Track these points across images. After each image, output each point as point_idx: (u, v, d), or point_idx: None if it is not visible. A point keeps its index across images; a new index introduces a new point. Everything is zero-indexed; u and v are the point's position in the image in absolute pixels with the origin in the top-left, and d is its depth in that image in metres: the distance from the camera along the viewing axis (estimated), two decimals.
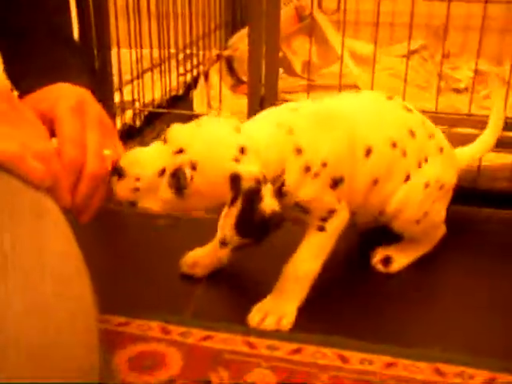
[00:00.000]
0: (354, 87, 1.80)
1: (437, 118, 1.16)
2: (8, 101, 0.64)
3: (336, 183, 0.94)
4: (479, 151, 1.21)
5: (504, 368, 0.86)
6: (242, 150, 0.85)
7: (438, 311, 1.01)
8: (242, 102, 1.45)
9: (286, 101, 1.13)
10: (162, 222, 1.23)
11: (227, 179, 0.83)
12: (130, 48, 1.46)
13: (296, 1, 1.87)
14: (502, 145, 1.23)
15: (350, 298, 1.04)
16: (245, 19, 2.03)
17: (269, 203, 0.84)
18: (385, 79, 1.77)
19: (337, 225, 0.97)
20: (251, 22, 1.26)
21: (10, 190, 0.59)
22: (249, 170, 0.84)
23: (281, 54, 1.64)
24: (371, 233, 1.17)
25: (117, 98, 1.49)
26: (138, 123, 1.56)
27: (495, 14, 1.20)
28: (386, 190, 1.02)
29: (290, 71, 1.88)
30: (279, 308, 0.96)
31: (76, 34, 1.35)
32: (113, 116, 1.41)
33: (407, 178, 1.03)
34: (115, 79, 1.48)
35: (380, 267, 1.12)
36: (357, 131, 0.97)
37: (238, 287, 1.06)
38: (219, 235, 0.86)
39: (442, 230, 1.15)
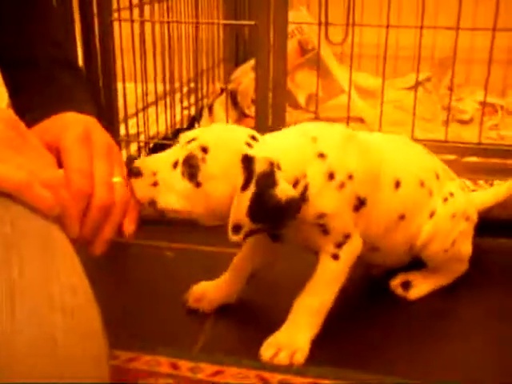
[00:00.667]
0: (359, 120, 1.80)
1: (446, 147, 1.15)
2: (16, 129, 0.63)
3: (359, 204, 0.93)
4: (491, 200, 1.20)
5: None
6: (254, 137, 0.85)
7: (457, 343, 0.99)
8: None
9: None
10: (169, 254, 1.22)
11: (239, 162, 0.82)
12: (135, 82, 1.47)
13: (299, 34, 1.87)
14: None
15: (366, 328, 1.01)
16: (248, 53, 2.05)
17: (285, 188, 0.82)
18: (390, 111, 1.77)
19: (351, 252, 0.95)
20: (258, 55, 1.26)
21: (17, 218, 0.57)
22: (261, 153, 0.83)
23: None
24: None
25: (122, 130, 1.48)
26: (143, 156, 1.55)
27: (499, 45, 1.20)
28: (412, 227, 1.03)
29: (295, 104, 1.88)
30: (292, 342, 0.93)
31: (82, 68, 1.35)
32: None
33: (432, 215, 1.04)
34: (120, 113, 1.48)
35: (399, 291, 1.10)
36: (386, 160, 0.98)
37: (247, 321, 1.04)
38: (231, 221, 0.83)
39: (464, 266, 1.14)
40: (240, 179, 0.82)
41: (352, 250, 0.95)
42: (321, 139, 0.91)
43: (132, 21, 1.36)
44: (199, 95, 1.84)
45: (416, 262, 1.10)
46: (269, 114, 1.34)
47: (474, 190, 1.28)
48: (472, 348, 0.97)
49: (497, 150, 1.24)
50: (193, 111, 1.82)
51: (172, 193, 0.84)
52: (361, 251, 0.96)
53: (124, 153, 1.47)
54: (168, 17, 1.40)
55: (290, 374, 0.88)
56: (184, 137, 0.86)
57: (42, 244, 0.57)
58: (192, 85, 1.81)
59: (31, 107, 0.82)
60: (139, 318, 1.03)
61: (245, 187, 0.81)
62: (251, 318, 1.05)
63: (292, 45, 1.85)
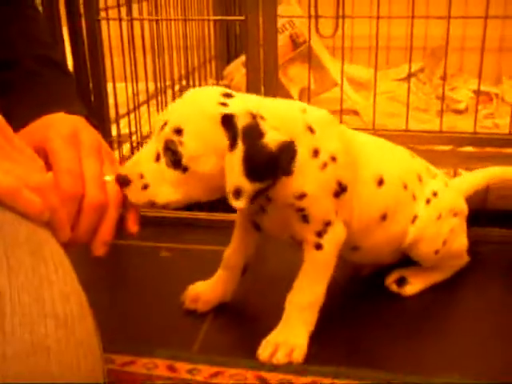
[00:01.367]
0: (353, 112, 1.79)
1: (442, 137, 1.14)
2: (2, 133, 0.62)
3: (340, 190, 0.90)
4: (479, 183, 1.19)
5: None
6: (228, 95, 0.81)
7: (454, 337, 0.98)
8: None
9: None
10: (164, 254, 1.21)
11: (219, 126, 0.79)
12: (126, 81, 1.45)
13: (290, 28, 1.86)
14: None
15: (364, 324, 1.00)
16: (239, 49, 2.03)
17: (273, 136, 0.78)
18: (383, 103, 1.76)
19: (334, 241, 0.92)
20: (248, 50, 1.24)
21: (6, 224, 0.56)
22: (240, 107, 0.79)
23: None
24: None
25: (114, 131, 1.47)
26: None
27: (491, 33, 1.19)
28: (395, 229, 1.02)
29: (288, 98, 1.87)
30: (289, 339, 0.92)
31: (71, 69, 1.34)
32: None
33: (414, 219, 1.02)
34: (111, 113, 1.46)
35: (394, 287, 1.09)
36: (370, 156, 0.97)
37: (244, 320, 1.03)
38: (229, 188, 0.80)
39: (463, 259, 1.13)
40: (224, 142, 0.79)
41: (335, 237, 0.92)
42: (310, 113, 0.88)
43: (120, 19, 1.34)
44: None
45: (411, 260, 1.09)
46: None
47: None
48: (471, 342, 0.96)
49: (492, 139, 1.23)
50: None
51: (164, 187, 0.81)
52: (342, 249, 0.94)
53: (117, 153, 1.46)
54: (157, 14, 1.38)
55: (290, 374, 0.87)
56: (157, 121, 0.83)
57: (31, 250, 0.56)
58: (184, 82, 1.79)
59: (17, 109, 0.81)
60: (135, 319, 1.02)
61: (232, 147, 0.78)
62: (248, 316, 1.04)
63: (283, 39, 1.84)
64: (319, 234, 0.91)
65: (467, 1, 1.81)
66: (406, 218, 1.02)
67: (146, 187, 0.81)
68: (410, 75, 1.32)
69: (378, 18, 1.19)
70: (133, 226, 0.80)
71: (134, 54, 1.41)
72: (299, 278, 0.93)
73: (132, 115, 1.49)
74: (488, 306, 1.05)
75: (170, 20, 1.57)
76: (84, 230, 0.72)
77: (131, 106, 1.49)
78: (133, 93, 1.45)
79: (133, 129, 1.49)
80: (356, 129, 1.02)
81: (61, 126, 0.75)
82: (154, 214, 1.32)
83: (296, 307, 0.93)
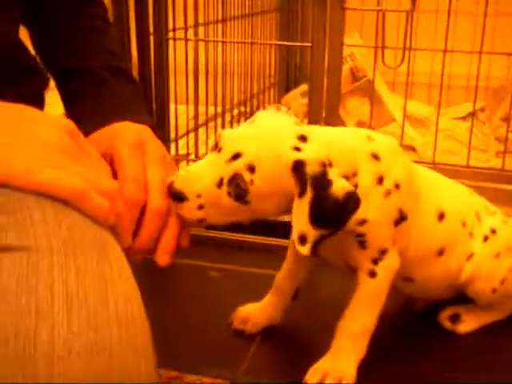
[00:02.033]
0: (410, 148, 1.77)
1: (503, 176, 1.12)
2: (74, 137, 0.63)
3: (400, 219, 0.90)
4: None
5: None
6: (302, 138, 0.80)
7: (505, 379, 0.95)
8: None
9: None
10: (214, 274, 1.20)
11: (290, 171, 0.78)
12: (187, 104, 1.47)
13: (351, 61, 1.87)
14: None
15: (413, 359, 0.99)
16: (298, 78, 2.05)
17: (340, 185, 0.78)
18: (441, 141, 1.74)
19: (388, 269, 0.91)
20: (312, 78, 1.25)
21: (75, 224, 0.57)
22: (311, 154, 0.78)
23: None
24: None
25: (172, 150, 1.49)
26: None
27: None
28: (451, 265, 1.00)
29: None
30: (338, 368, 0.90)
31: None
32: None
33: (470, 257, 1.01)
34: (171, 133, 1.49)
35: (447, 324, 1.07)
36: (432, 189, 0.97)
37: (293, 343, 1.02)
38: (294, 233, 0.80)
39: None
40: (292, 186, 0.78)
41: (389, 266, 0.91)
42: (376, 140, 0.88)
43: (186, 40, 1.37)
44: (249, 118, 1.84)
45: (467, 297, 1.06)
46: None
47: None
48: None
49: None
50: None
51: (220, 211, 0.81)
52: (394, 278, 0.93)
53: None
54: (223, 37, 1.41)
55: None
56: (226, 142, 0.80)
57: (98, 252, 0.56)
58: (242, 108, 1.81)
59: (85, 116, 0.83)
60: (184, 337, 1.02)
61: (302, 193, 0.78)
62: (297, 341, 1.03)
63: (345, 71, 1.85)
64: (375, 262, 0.90)
65: None
66: (462, 255, 1.01)
67: (201, 207, 0.80)
68: (473, 113, 1.30)
69: (445, 51, 1.18)
70: (183, 240, 0.79)
71: (197, 76, 1.43)
72: (351, 305, 0.92)
73: (190, 136, 1.51)
74: None
75: (236, 43, 1.59)
76: (147, 237, 0.73)
77: (191, 127, 1.51)
78: (193, 114, 1.47)
79: (190, 150, 1.51)
80: (416, 162, 1.02)
81: (127, 135, 0.76)
82: (205, 234, 1.33)
83: (347, 335, 0.92)
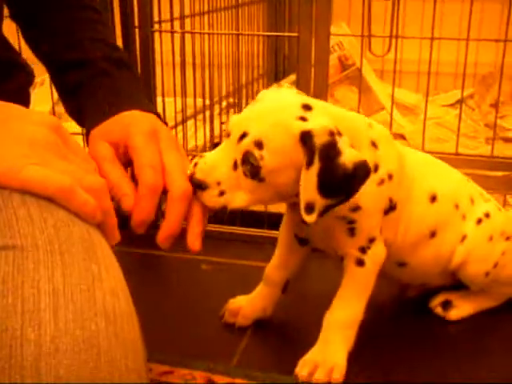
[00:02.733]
0: (399, 136, 1.78)
1: (492, 163, 1.12)
2: (59, 134, 0.62)
3: (390, 208, 0.91)
4: None
5: None
6: (307, 107, 0.80)
7: (495, 366, 0.95)
8: None
9: None
10: (205, 267, 1.20)
11: (297, 142, 0.78)
12: (175, 96, 1.47)
13: (339, 50, 1.87)
14: None
15: (404, 346, 0.99)
16: (287, 69, 2.04)
17: (349, 155, 0.78)
18: (430, 128, 1.75)
19: (375, 259, 0.92)
20: (300, 68, 1.24)
21: (60, 222, 0.56)
22: (319, 123, 0.78)
23: None
24: None
25: None
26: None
27: None
28: (443, 248, 1.01)
29: None
30: (328, 359, 0.90)
31: None
32: None
33: (463, 239, 1.01)
34: None
35: (439, 310, 1.08)
36: (424, 173, 0.98)
37: (284, 335, 1.03)
38: (301, 203, 0.79)
39: None
40: (302, 157, 0.78)
41: (376, 255, 0.92)
42: (375, 128, 0.89)
43: (172, 32, 1.36)
44: (238, 110, 1.84)
45: (461, 285, 1.07)
46: None
47: None
48: None
49: None
50: None
51: (239, 194, 0.82)
52: (387, 264, 0.94)
53: None
54: (209, 29, 1.40)
55: None
56: (233, 125, 0.82)
57: (84, 249, 0.56)
58: (231, 100, 1.81)
59: (90, 106, 0.83)
60: (175, 331, 1.02)
61: (309, 164, 0.77)
62: (288, 333, 1.03)
63: (332, 60, 1.85)
64: (363, 250, 0.91)
65: None
66: (454, 237, 1.01)
67: (222, 194, 0.81)
68: (461, 100, 1.30)
69: (432, 38, 1.18)
70: (194, 241, 0.76)
71: (185, 68, 1.42)
72: (338, 295, 0.93)
73: (179, 129, 1.50)
74: None
75: (222, 34, 1.58)
76: (174, 220, 0.72)
77: (179, 120, 1.50)
78: (181, 107, 1.46)
79: (179, 142, 1.50)
80: None
81: (141, 123, 0.76)
82: None
83: (334, 325, 0.92)
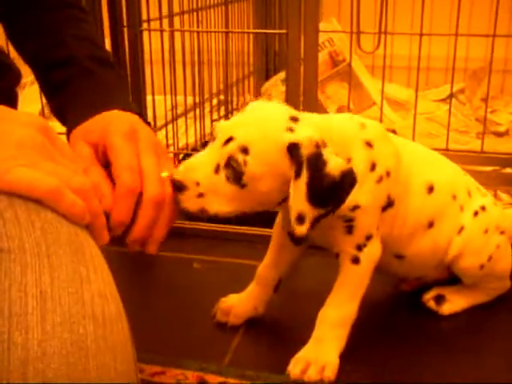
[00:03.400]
0: (391, 131, 1.77)
1: (483, 158, 1.12)
2: (47, 135, 0.62)
3: (387, 205, 0.92)
4: None
5: None
6: (294, 119, 0.81)
7: (488, 360, 0.95)
8: None
9: None
10: (197, 266, 1.20)
11: (284, 152, 0.79)
12: (165, 94, 1.46)
13: (330, 46, 1.86)
14: None
15: (398, 342, 0.99)
16: (278, 66, 2.04)
17: (335, 164, 0.79)
18: (421, 123, 1.75)
19: (371, 257, 0.92)
20: (289, 65, 1.24)
21: (48, 224, 0.56)
22: (305, 135, 0.79)
23: None
24: None
25: None
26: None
27: None
28: (440, 239, 1.01)
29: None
30: (320, 357, 0.90)
31: None
32: None
33: (460, 230, 1.02)
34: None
35: (431, 304, 1.07)
36: (422, 164, 0.98)
37: (276, 334, 1.02)
38: (292, 214, 0.80)
39: (506, 283, 1.10)
40: (287, 167, 0.79)
41: (371, 252, 0.92)
42: (369, 128, 0.90)
43: (162, 31, 1.36)
44: (229, 108, 1.83)
45: (456, 280, 1.07)
46: None
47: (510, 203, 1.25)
48: (505, 366, 0.94)
49: None
50: None
51: (219, 198, 0.81)
52: (384, 257, 0.94)
53: None
54: (198, 27, 1.39)
55: None
56: (220, 131, 0.82)
57: (72, 251, 0.56)
58: (222, 97, 1.80)
59: (74, 105, 0.82)
60: (166, 330, 1.01)
61: (297, 175, 0.79)
62: (280, 331, 1.03)
63: (323, 56, 1.85)
64: (359, 248, 0.91)
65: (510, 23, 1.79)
66: (452, 228, 1.01)
67: (200, 195, 0.81)
68: (451, 95, 1.30)
69: (421, 34, 1.17)
70: (150, 246, 0.76)
71: (174, 67, 1.42)
72: (332, 293, 0.93)
73: (169, 127, 1.49)
74: None
75: (211, 32, 1.57)
76: (143, 225, 0.72)
77: (169, 119, 1.50)
78: (171, 105, 1.46)
79: (170, 141, 1.50)
80: None
81: (120, 123, 0.76)
82: (187, 226, 1.32)
83: (328, 323, 0.92)
